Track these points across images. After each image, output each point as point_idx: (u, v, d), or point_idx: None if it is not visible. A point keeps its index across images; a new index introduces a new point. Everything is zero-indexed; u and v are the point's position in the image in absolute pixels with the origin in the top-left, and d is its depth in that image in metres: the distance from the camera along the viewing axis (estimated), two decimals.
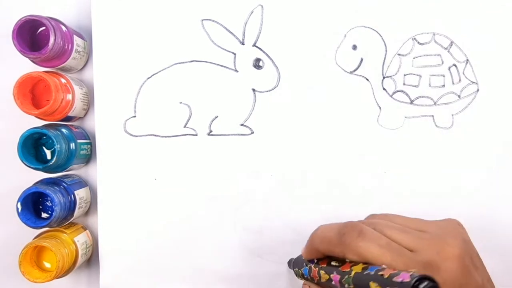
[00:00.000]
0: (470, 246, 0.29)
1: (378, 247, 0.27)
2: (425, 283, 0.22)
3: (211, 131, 0.40)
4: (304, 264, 0.33)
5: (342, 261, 0.29)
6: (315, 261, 0.32)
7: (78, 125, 0.40)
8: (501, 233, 0.40)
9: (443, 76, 0.39)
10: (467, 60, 0.40)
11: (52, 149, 0.38)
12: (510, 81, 0.40)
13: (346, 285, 0.27)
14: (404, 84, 0.40)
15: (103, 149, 0.39)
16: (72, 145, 0.37)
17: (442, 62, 0.39)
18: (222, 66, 0.40)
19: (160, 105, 0.39)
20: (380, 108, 0.40)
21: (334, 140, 0.39)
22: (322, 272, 0.30)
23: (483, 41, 0.40)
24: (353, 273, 0.26)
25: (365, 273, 0.26)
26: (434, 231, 0.29)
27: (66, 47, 0.37)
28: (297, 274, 0.35)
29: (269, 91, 0.40)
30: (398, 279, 0.23)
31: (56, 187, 0.36)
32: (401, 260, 0.26)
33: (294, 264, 0.36)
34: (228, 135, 0.40)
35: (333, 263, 0.29)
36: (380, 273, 0.24)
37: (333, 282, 0.28)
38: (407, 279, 0.22)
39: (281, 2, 0.39)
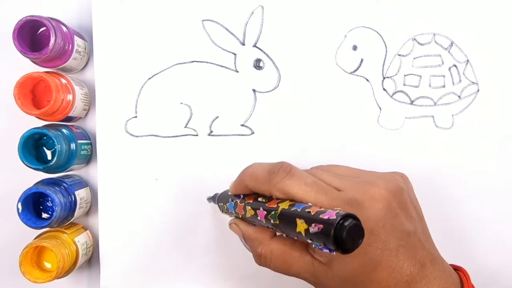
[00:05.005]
0: (405, 194, 0.29)
1: (304, 185, 0.27)
2: (349, 220, 0.22)
3: (211, 132, 0.40)
4: (230, 199, 0.33)
5: (269, 198, 0.29)
6: (242, 196, 0.32)
7: (78, 126, 0.40)
8: (502, 230, 0.40)
9: (444, 76, 0.40)
10: (468, 60, 0.40)
11: (53, 149, 0.38)
12: (510, 81, 0.40)
13: (272, 221, 0.27)
14: (404, 85, 0.40)
15: (103, 150, 0.39)
16: (73, 146, 0.37)
17: (443, 63, 0.40)
18: (223, 66, 0.40)
19: (161, 105, 0.40)
20: (380, 108, 0.40)
21: (334, 140, 0.40)
22: (248, 207, 0.30)
23: (483, 41, 0.40)
24: (279, 209, 0.27)
25: (292, 209, 0.26)
26: (368, 178, 0.29)
27: (66, 47, 0.37)
28: (222, 209, 0.35)
29: (270, 91, 0.40)
30: (324, 216, 0.23)
31: (56, 188, 0.36)
32: (325, 198, 0.26)
33: (219, 199, 0.36)
34: (229, 135, 0.40)
35: (259, 199, 0.30)
36: (307, 210, 0.25)
37: (258, 217, 0.29)
38: (333, 217, 0.22)
39: (281, 3, 0.39)
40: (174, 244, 0.40)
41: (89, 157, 0.40)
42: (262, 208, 0.28)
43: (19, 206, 0.35)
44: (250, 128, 0.40)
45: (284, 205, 0.27)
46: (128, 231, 0.39)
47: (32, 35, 0.38)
